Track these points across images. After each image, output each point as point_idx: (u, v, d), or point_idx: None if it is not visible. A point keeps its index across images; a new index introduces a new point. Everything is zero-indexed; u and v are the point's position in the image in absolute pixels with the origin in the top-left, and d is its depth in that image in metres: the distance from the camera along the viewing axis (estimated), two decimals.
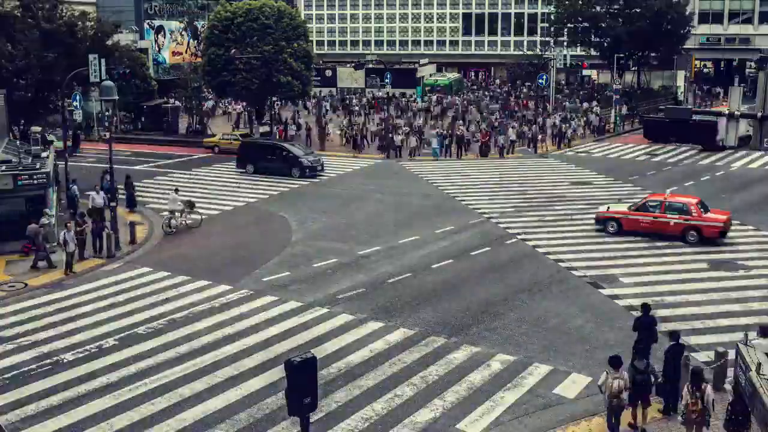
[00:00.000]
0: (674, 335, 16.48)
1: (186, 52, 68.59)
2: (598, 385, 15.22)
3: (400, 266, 26.37)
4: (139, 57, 53.31)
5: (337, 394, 17.22)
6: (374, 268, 26.34)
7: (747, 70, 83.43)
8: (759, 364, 12.42)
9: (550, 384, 17.71)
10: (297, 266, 26.63)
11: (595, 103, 71.30)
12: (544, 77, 69.48)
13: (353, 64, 75.03)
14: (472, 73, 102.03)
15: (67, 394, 17.32)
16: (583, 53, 79.09)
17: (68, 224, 27.00)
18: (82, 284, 25.11)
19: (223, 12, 55.29)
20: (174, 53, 67.24)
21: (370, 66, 79.31)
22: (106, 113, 51.61)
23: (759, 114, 17.95)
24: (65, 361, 19.09)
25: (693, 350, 19.30)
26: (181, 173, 44.71)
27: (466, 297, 23.44)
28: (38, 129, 35.76)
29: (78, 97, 44.07)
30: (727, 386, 16.50)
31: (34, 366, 18.74)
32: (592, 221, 31.43)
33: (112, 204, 30.22)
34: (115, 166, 30.83)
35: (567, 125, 56.30)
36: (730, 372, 16.04)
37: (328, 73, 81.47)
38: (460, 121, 59.99)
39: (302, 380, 11.66)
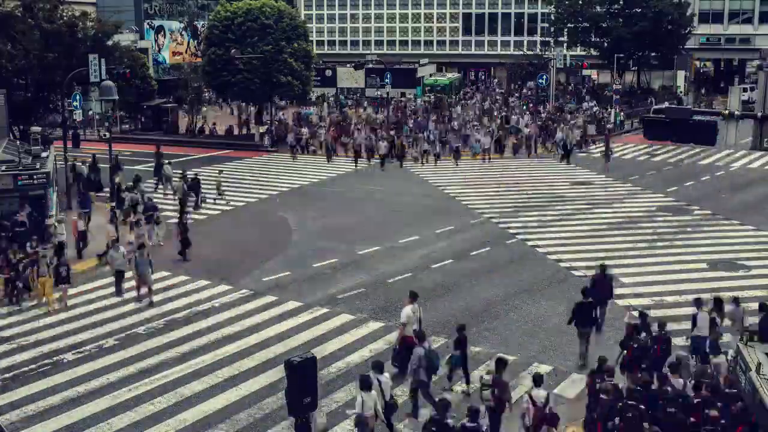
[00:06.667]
0: None
1: (186, 52, 68.65)
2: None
3: (400, 266, 26.37)
4: (139, 57, 53.31)
5: (337, 394, 17.21)
6: (374, 268, 26.35)
7: (747, 70, 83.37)
8: (759, 364, 12.42)
9: (550, 384, 17.69)
10: (297, 266, 26.62)
11: (594, 102, 71.23)
12: (544, 77, 69.43)
13: (353, 64, 74.74)
14: (472, 73, 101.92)
15: (67, 394, 17.34)
16: (583, 53, 79.01)
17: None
18: (82, 284, 25.10)
19: (223, 12, 55.28)
20: (174, 53, 67.28)
21: (370, 66, 79.09)
22: (107, 113, 51.61)
23: (759, 114, 17.95)
24: (65, 361, 19.10)
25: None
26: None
27: (466, 297, 23.44)
28: (38, 129, 35.72)
29: (78, 97, 44.03)
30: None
31: (34, 366, 18.77)
32: (593, 221, 31.42)
33: (112, 204, 30.25)
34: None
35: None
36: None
37: (328, 73, 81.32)
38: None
39: (302, 380, 11.65)
